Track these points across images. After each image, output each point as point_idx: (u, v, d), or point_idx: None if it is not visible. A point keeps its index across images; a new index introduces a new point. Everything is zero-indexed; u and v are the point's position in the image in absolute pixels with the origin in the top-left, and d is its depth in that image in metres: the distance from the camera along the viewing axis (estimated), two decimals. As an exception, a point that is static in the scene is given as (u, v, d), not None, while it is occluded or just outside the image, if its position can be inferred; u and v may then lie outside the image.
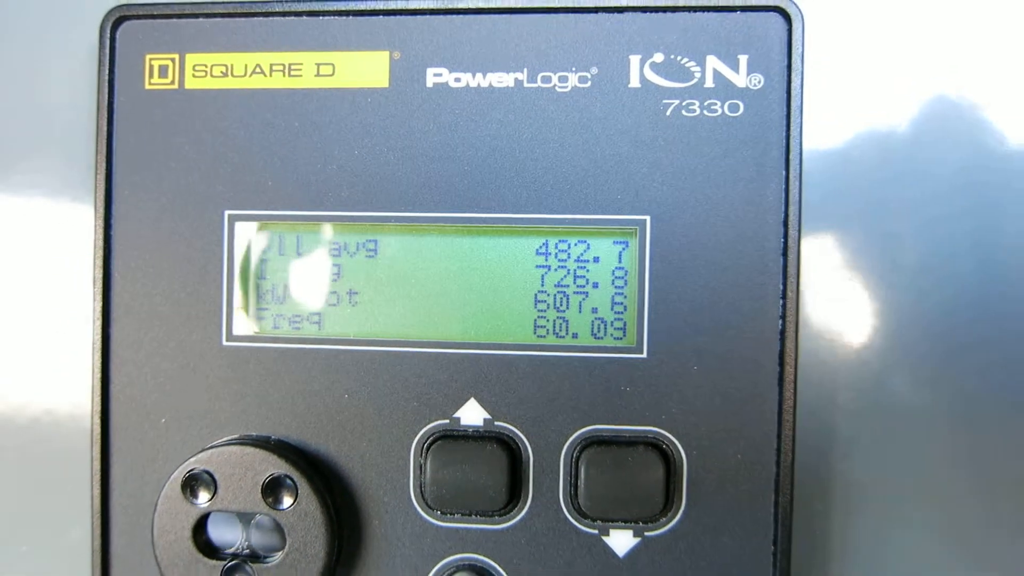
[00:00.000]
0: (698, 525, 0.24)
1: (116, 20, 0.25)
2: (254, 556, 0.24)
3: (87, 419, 0.25)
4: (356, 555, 0.24)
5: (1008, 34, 0.26)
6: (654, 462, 0.23)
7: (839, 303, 0.26)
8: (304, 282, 0.25)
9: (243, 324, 0.25)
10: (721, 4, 0.23)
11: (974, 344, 0.26)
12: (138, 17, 0.25)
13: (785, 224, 0.23)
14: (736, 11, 0.23)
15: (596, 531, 0.24)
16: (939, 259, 0.26)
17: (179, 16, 0.25)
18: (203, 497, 0.24)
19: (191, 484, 0.24)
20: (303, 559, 0.23)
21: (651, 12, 0.24)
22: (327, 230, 0.25)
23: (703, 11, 0.24)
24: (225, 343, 0.25)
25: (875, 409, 0.26)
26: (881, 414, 0.26)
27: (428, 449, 0.24)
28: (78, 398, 0.28)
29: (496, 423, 0.24)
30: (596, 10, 0.24)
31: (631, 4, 0.24)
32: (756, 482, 0.24)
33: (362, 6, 0.24)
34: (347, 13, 0.25)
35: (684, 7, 0.24)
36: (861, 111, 0.26)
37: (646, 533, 0.24)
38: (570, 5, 0.24)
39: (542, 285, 0.24)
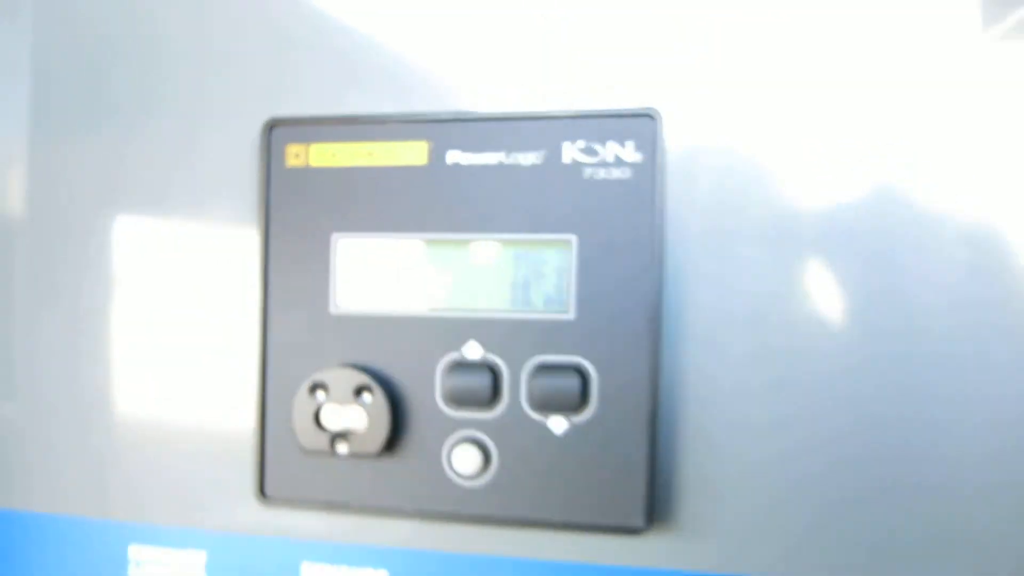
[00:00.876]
0: (606, 415, 0.40)
1: (271, 125, 0.44)
2: (349, 431, 0.42)
3: (255, 356, 0.44)
4: (405, 430, 0.42)
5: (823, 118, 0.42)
6: (576, 378, 0.40)
7: (690, 286, 0.42)
8: (376, 276, 0.43)
9: (342, 301, 0.43)
10: (616, 113, 0.40)
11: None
12: (284, 124, 0.44)
13: (653, 241, 0.40)
14: (625, 116, 0.40)
15: (543, 418, 0.41)
16: (769, 272, 0.42)
17: (307, 123, 0.44)
18: (320, 396, 0.42)
19: (314, 388, 0.42)
20: (376, 431, 0.41)
21: (575, 118, 0.41)
22: (390, 244, 0.43)
23: (605, 117, 0.41)
24: (332, 312, 0.43)
25: (706, 348, 0.42)
26: (709, 347, 0.42)
27: (447, 370, 0.41)
28: (248, 346, 0.46)
29: (487, 355, 0.41)
30: (544, 117, 0.41)
31: (565, 114, 0.41)
32: (638, 389, 0.40)
33: (410, 116, 0.42)
34: (402, 120, 0.43)
35: (595, 115, 0.41)
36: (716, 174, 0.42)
37: (573, 420, 0.40)
38: (530, 115, 0.41)
39: (515, 276, 0.42)
